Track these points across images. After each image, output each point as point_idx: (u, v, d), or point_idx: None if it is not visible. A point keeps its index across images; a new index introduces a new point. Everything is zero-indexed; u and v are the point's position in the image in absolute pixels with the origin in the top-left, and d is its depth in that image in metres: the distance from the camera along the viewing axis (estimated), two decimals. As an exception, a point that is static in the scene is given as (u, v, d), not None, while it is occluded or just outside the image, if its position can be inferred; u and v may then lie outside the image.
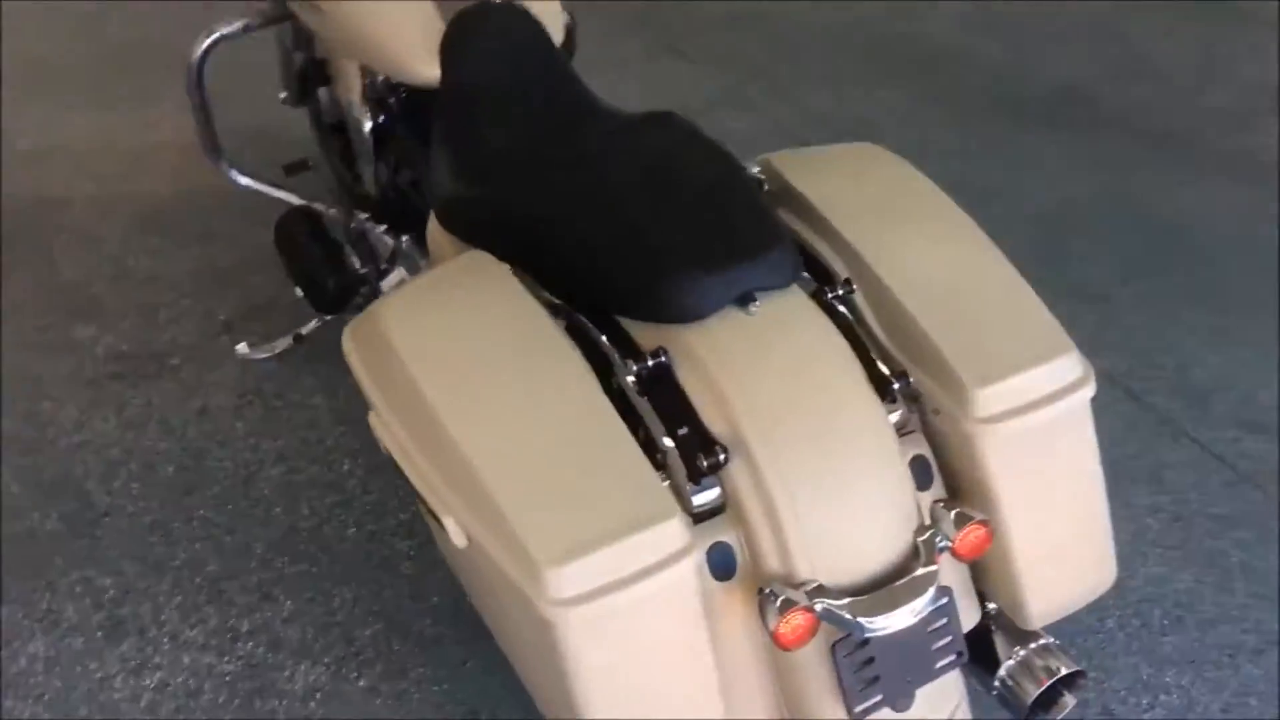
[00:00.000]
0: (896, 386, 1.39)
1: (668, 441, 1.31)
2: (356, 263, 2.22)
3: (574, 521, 1.19)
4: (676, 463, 1.30)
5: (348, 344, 1.44)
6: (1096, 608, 1.69)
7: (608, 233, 1.38)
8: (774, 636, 1.22)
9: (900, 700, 1.30)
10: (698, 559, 1.26)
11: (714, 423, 1.30)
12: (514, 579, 1.19)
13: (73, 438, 2.35)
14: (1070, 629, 1.86)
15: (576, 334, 1.38)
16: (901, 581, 1.27)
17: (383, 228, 2.18)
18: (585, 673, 1.20)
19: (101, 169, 3.21)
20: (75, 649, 1.95)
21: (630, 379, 1.34)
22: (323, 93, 2.42)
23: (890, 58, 3.78)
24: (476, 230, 1.53)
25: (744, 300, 1.34)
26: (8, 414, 2.40)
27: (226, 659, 1.92)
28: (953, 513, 1.32)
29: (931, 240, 1.46)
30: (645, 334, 1.37)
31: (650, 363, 1.33)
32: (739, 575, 1.30)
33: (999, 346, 1.36)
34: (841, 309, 1.45)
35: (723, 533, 1.30)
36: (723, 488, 1.31)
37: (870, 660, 1.27)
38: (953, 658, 1.31)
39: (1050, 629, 1.46)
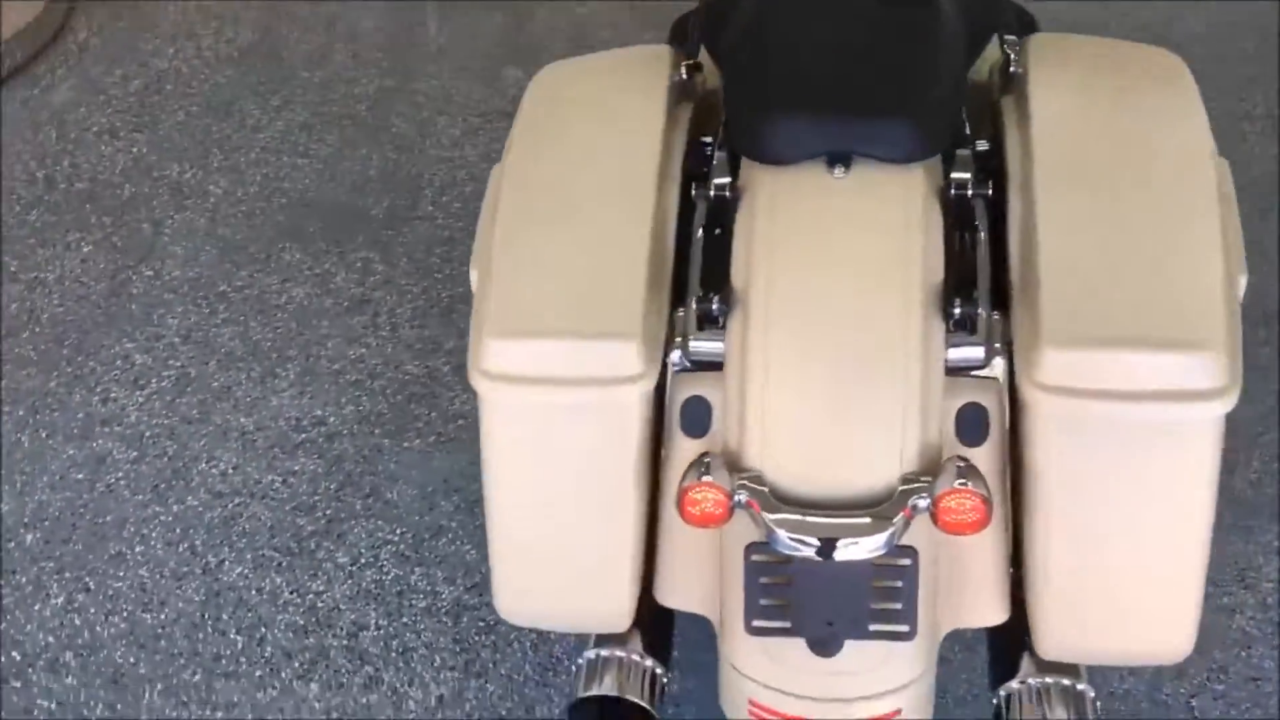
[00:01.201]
0: (958, 311, 1.19)
1: (696, 279, 1.26)
2: None
3: (539, 306, 1.19)
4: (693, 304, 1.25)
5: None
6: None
7: (753, 55, 1.31)
8: (678, 500, 1.16)
9: (819, 643, 1.20)
10: (643, 391, 1.19)
11: (738, 274, 1.23)
12: (470, 339, 1.20)
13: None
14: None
15: (697, 152, 1.36)
16: (850, 517, 1.13)
17: None
18: (498, 456, 1.21)
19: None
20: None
21: (702, 206, 1.30)
22: None
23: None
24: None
25: (837, 160, 1.25)
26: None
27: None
28: (956, 473, 1.15)
29: (1133, 202, 1.25)
30: (745, 170, 1.30)
31: (713, 193, 1.29)
32: (708, 438, 1.23)
33: (1114, 313, 1.15)
34: (973, 208, 1.29)
35: (706, 389, 1.23)
36: (726, 344, 1.24)
37: (787, 583, 1.18)
38: (896, 628, 1.19)
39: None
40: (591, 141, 1.35)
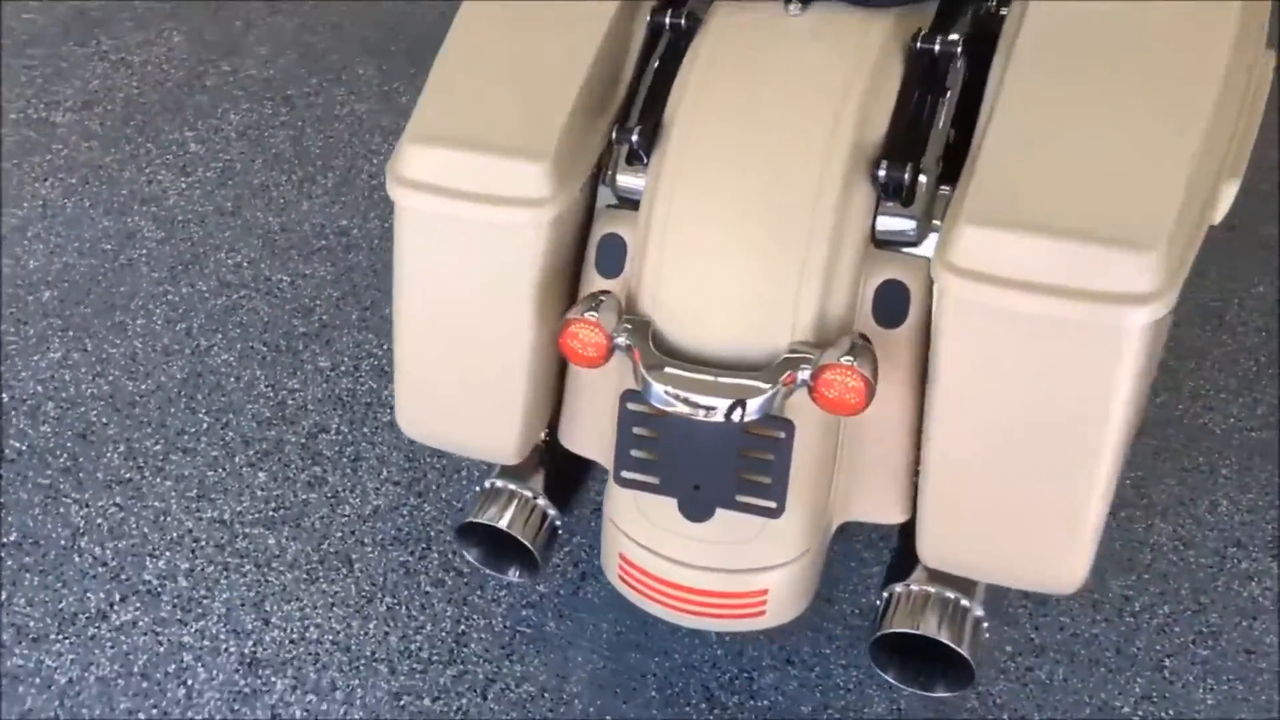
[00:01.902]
0: (883, 173, 1.09)
1: (637, 112, 1.21)
2: None
3: (463, 118, 1.17)
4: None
5: None
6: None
7: None
8: (559, 333, 1.11)
9: (689, 507, 1.14)
10: (549, 217, 1.14)
11: (670, 110, 1.17)
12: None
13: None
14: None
15: None
16: (725, 378, 1.07)
17: None
18: (406, 267, 1.20)
19: None
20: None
21: (665, 37, 1.24)
22: None
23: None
24: None
25: None
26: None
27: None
28: (847, 349, 1.05)
29: (1112, 86, 1.11)
30: (715, 2, 1.24)
31: (672, 21, 1.23)
32: (620, 279, 1.19)
33: (1047, 198, 1.03)
34: (945, 69, 1.17)
35: (624, 227, 1.18)
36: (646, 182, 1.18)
37: (658, 437, 1.12)
38: (764, 503, 1.12)
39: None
40: None
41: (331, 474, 1.65)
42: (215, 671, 1.46)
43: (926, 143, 1.15)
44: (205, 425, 1.70)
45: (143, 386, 1.75)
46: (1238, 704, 1.44)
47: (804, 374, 1.06)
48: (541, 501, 1.30)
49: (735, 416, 1.07)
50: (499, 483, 1.31)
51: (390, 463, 1.66)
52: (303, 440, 1.69)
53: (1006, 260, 1.02)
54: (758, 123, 1.12)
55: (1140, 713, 1.44)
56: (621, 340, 1.11)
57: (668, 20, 1.23)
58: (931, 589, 1.20)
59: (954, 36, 1.15)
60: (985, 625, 1.21)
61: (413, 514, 1.60)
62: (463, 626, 1.50)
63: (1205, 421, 1.74)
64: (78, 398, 1.73)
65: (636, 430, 1.13)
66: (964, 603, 1.20)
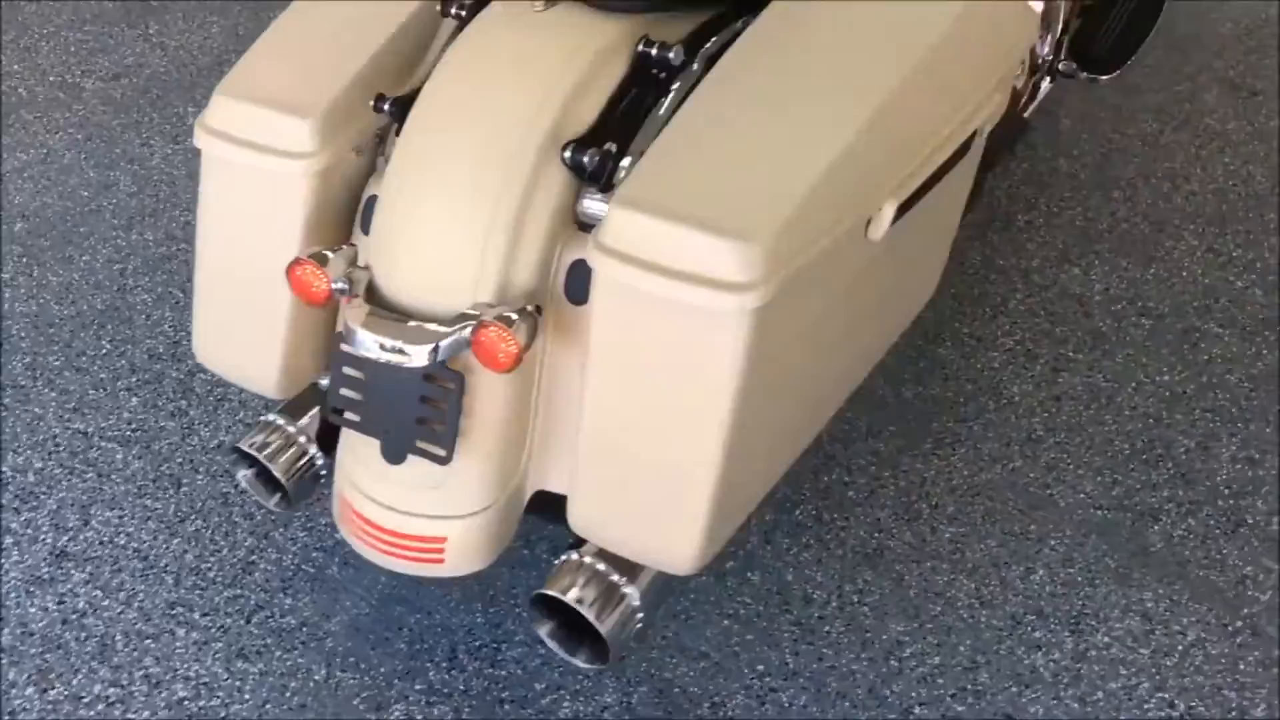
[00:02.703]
0: (585, 160, 1.16)
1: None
2: None
3: (264, 75, 1.30)
4: None
5: None
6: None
7: None
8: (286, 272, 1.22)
9: (386, 445, 1.21)
10: (313, 169, 1.26)
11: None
12: None
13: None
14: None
15: None
16: (407, 322, 1.16)
17: None
18: (201, 206, 1.33)
19: None
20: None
21: (451, 24, 1.34)
22: None
23: None
24: None
25: None
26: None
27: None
28: (502, 312, 1.13)
29: (796, 90, 1.17)
30: None
31: (453, 13, 1.32)
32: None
33: (691, 188, 1.09)
34: (665, 73, 1.23)
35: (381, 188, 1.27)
36: None
37: (361, 379, 1.19)
38: (435, 450, 1.18)
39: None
40: None
41: (194, 408, 1.78)
42: (25, 556, 1.59)
43: (634, 134, 1.21)
44: (104, 351, 1.86)
45: (65, 312, 1.92)
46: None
47: (468, 330, 1.14)
48: (303, 440, 1.39)
49: (404, 361, 1.15)
50: (273, 417, 1.41)
51: (250, 407, 1.77)
52: (181, 377, 1.82)
53: (641, 242, 1.09)
54: (476, 102, 1.22)
55: (859, 748, 1.42)
56: (340, 285, 1.21)
57: (453, 11, 1.33)
58: (599, 564, 1.24)
59: (676, 43, 1.22)
60: (639, 614, 1.23)
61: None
62: (254, 556, 1.60)
63: (1052, 493, 1.70)
64: (8, 314, 1.92)
65: (345, 370, 1.22)
66: (621, 584, 1.23)
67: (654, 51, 1.21)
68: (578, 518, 1.21)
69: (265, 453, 1.38)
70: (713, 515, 1.13)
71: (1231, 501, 1.69)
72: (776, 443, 1.25)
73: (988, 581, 1.59)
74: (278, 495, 1.41)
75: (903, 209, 1.17)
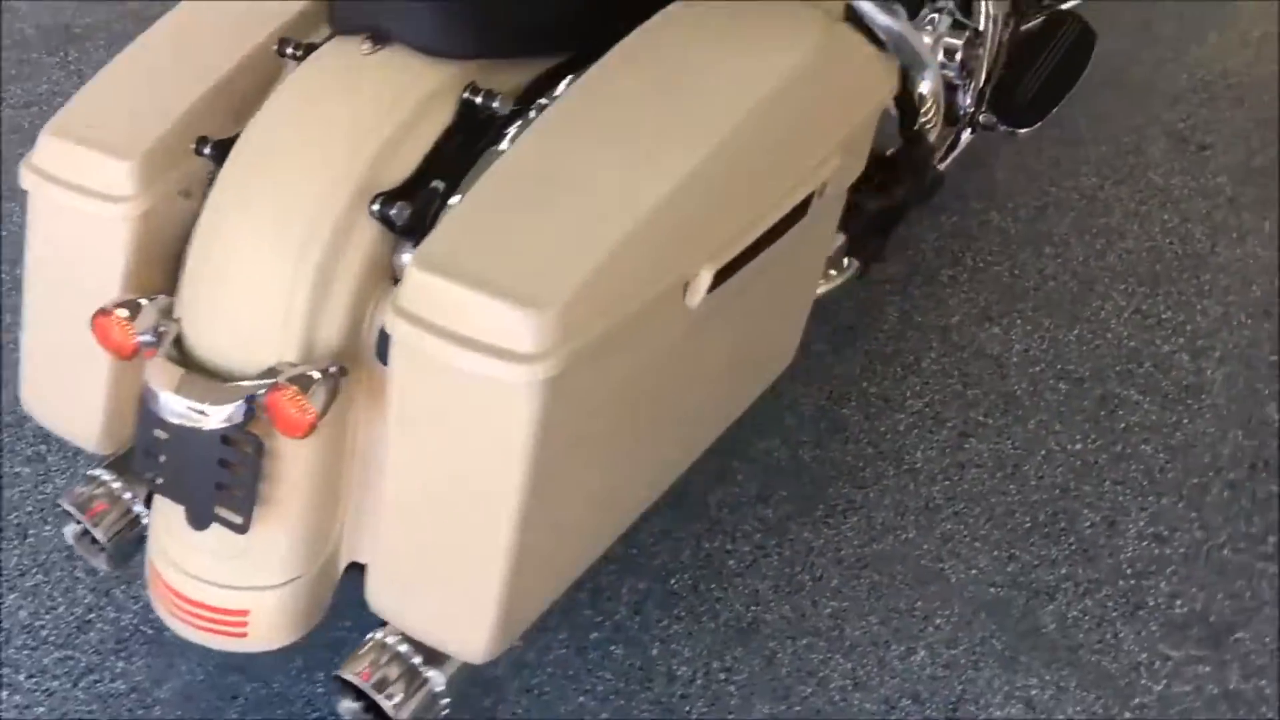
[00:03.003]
0: (376, 208, 1.09)
1: None
2: None
3: (86, 117, 1.23)
4: None
5: None
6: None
7: None
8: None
9: (189, 510, 1.12)
10: (130, 213, 1.18)
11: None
12: None
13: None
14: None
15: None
16: (209, 380, 1.08)
17: None
18: (27, 248, 1.26)
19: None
20: None
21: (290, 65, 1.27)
22: None
23: None
24: None
25: (380, 39, 1.16)
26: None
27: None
28: (298, 374, 1.05)
29: (612, 148, 1.10)
30: None
31: (289, 53, 1.24)
32: None
33: (491, 250, 1.03)
34: (491, 123, 1.17)
35: None
36: None
37: (163, 440, 1.11)
38: (232, 517, 1.10)
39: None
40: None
41: (53, 454, 1.70)
42: None
43: (457, 188, 1.14)
44: (-30, 391, 1.80)
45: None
46: None
47: (261, 392, 1.06)
48: (128, 496, 1.32)
49: (201, 422, 1.08)
50: (98, 471, 1.33)
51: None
52: (46, 420, 1.75)
53: (435, 306, 1.01)
54: (289, 149, 1.15)
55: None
56: (147, 338, 1.13)
57: (289, 52, 1.26)
58: (402, 646, 1.15)
59: (500, 92, 1.14)
60: (443, 700, 1.15)
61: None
62: (92, 615, 1.52)
63: (944, 567, 1.61)
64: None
65: (152, 430, 1.14)
66: (422, 669, 1.14)
67: (479, 100, 1.14)
68: (373, 595, 1.13)
69: (87, 510, 1.31)
70: (506, 601, 1.05)
71: (1133, 582, 1.60)
72: (593, 518, 1.17)
73: (865, 661, 1.50)
74: (104, 554, 1.34)
75: (723, 275, 1.08)
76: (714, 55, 1.15)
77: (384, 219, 1.10)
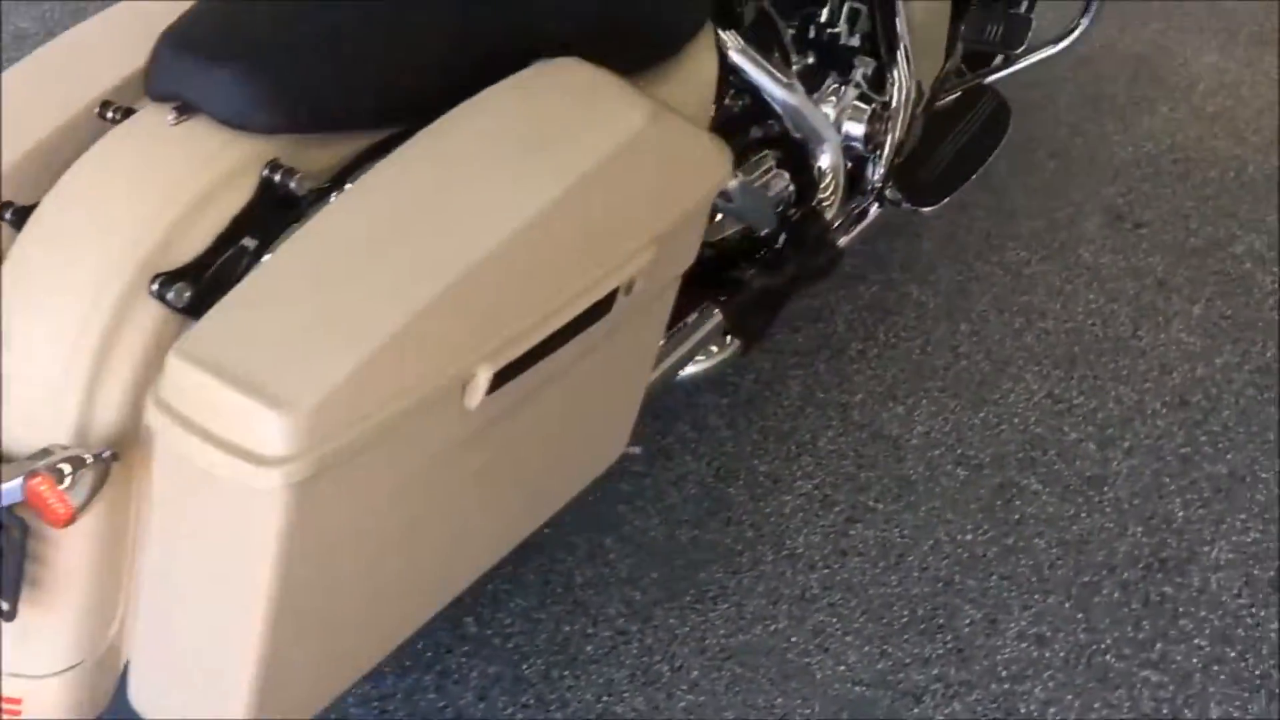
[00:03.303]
0: (155, 287, 1.04)
1: None
2: None
3: None
4: None
5: None
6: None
7: None
8: None
9: None
10: None
11: None
12: None
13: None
14: None
15: None
16: None
17: None
18: None
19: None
20: None
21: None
22: None
23: None
24: None
25: (186, 108, 1.11)
26: None
27: None
28: (57, 460, 0.98)
29: (406, 233, 1.05)
30: None
31: (109, 114, 1.18)
32: None
33: (256, 340, 0.97)
34: (290, 199, 1.11)
35: None
36: None
37: None
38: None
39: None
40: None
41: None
42: None
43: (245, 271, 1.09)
44: None
45: None
46: None
47: (18, 478, 1.01)
48: None
49: None
50: None
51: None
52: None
53: (192, 400, 0.96)
54: (77, 222, 1.09)
55: None
56: None
57: (109, 116, 1.20)
58: None
59: (303, 170, 1.10)
60: None
61: None
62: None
63: (811, 662, 1.54)
64: None
65: None
66: None
67: (278, 178, 1.10)
68: (133, 692, 1.08)
69: None
70: (259, 705, 1.00)
71: (1007, 686, 1.53)
72: (364, 623, 1.12)
73: (721, 765, 1.44)
74: None
75: (507, 374, 1.03)
76: (521, 145, 1.10)
77: (163, 299, 1.05)
